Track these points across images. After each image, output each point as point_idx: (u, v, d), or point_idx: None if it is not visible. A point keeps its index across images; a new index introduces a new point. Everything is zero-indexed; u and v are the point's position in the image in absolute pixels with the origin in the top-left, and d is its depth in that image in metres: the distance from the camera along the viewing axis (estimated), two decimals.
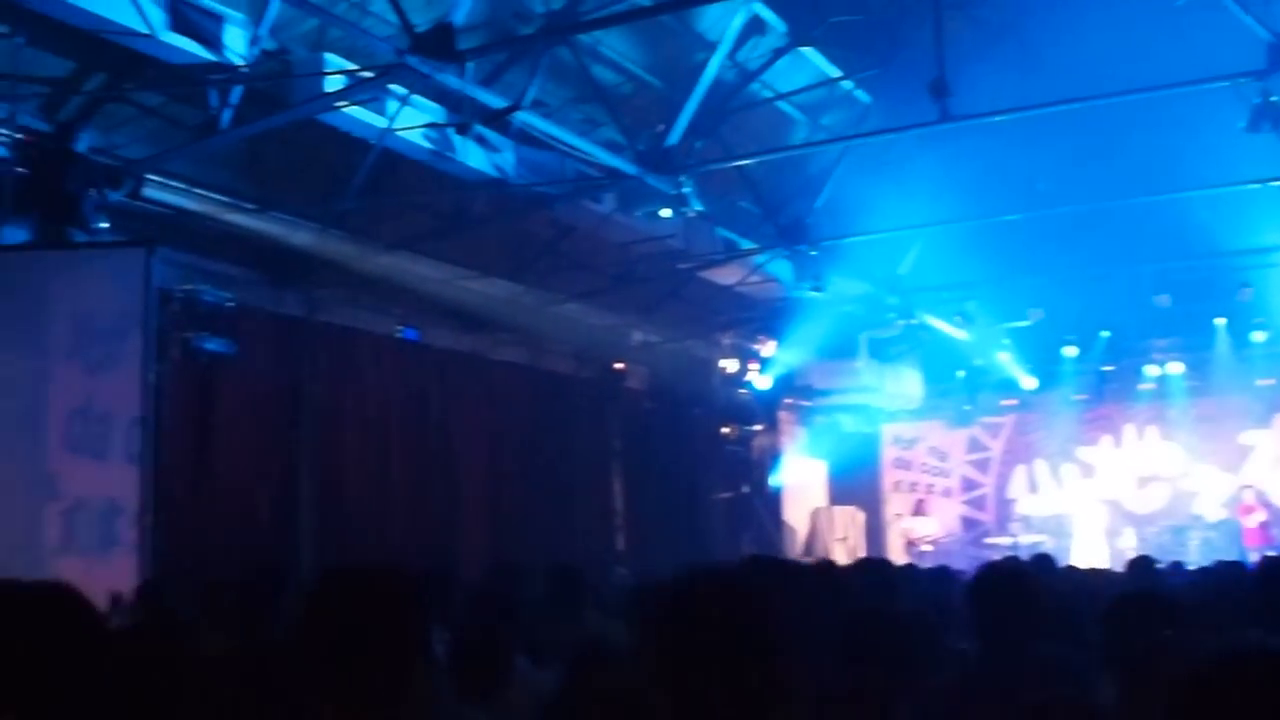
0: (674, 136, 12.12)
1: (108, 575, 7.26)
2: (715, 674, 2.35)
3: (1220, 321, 19.46)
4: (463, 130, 10.79)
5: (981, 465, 23.13)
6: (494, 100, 10.62)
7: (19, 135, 9.35)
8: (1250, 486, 19.47)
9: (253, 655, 3.45)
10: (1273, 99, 10.71)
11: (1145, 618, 4.00)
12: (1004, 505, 22.65)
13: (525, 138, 11.79)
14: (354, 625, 2.49)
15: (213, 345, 11.32)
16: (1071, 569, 11.87)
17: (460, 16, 9.50)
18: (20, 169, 9.50)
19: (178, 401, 11.17)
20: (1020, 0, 13.91)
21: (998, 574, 4.60)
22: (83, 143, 9.80)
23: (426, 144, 11.09)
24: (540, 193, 12.76)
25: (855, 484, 22.74)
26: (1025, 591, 4.31)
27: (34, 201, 9.66)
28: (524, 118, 11.06)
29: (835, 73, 14.22)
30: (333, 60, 10.09)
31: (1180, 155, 14.53)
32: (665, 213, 12.69)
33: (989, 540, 21.44)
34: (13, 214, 9.80)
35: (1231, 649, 1.99)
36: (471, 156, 11.48)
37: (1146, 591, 4.68)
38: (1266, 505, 19.15)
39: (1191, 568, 12.06)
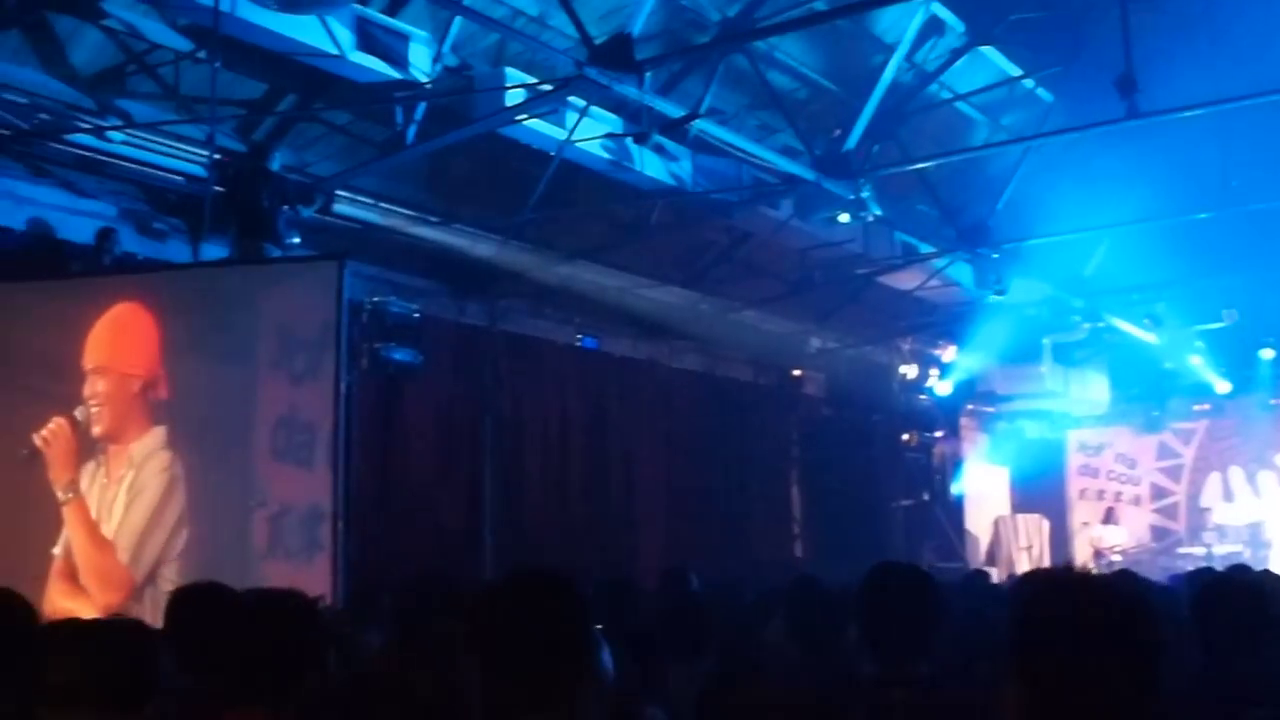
0: (851, 141, 12.01)
1: (311, 579, 7.47)
2: (1090, 680, 2.26)
3: None
4: (641, 140, 10.85)
5: (1172, 472, 22.37)
6: (671, 109, 10.66)
7: (217, 155, 9.73)
8: None
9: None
10: None
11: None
12: (1197, 514, 21.85)
13: (702, 145, 11.83)
14: (520, 629, 2.52)
15: (400, 355, 11.56)
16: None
17: (638, 27, 9.58)
18: (218, 188, 9.88)
19: (366, 410, 11.49)
20: None
21: (1227, 584, 4.44)
22: (276, 161, 10.15)
23: (604, 154, 11.21)
24: (717, 200, 12.77)
25: (1039, 491, 22.23)
26: (1256, 603, 4.16)
27: (231, 218, 10.05)
28: (701, 125, 11.11)
29: (1016, 71, 13.92)
30: (513, 74, 10.25)
31: None
32: (844, 218, 12.57)
33: (1182, 550, 20.72)
34: (212, 231, 10.24)
35: None
36: (649, 165, 11.58)
37: None
38: None
39: None
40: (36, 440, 8.43)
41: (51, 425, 8.46)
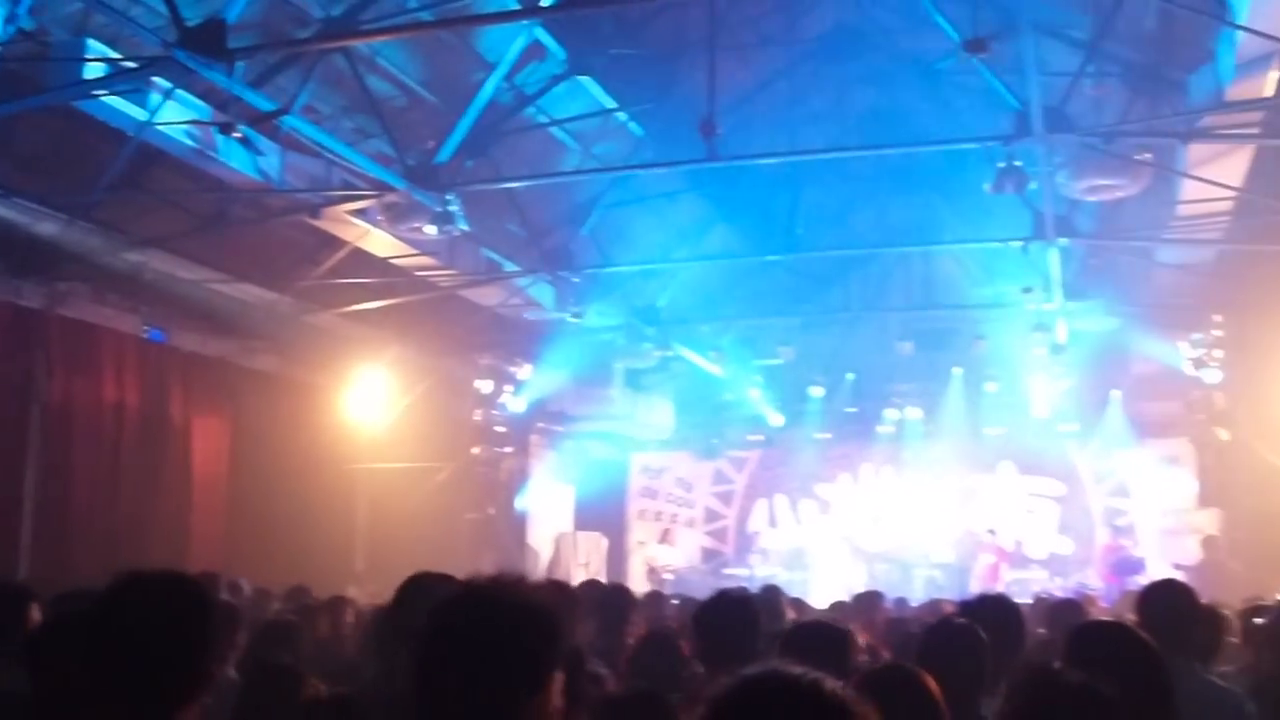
0: (445, 153, 12.02)
1: None
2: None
3: (957, 371, 20.31)
4: (226, 130, 10.43)
5: (725, 498, 23.61)
6: (263, 102, 10.32)
7: None
8: (993, 531, 20.27)
9: None
10: (1016, 163, 11.30)
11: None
12: (745, 538, 23.17)
13: (293, 143, 11.51)
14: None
15: None
16: (798, 601, 11.94)
17: (234, 14, 9.21)
18: None
19: None
20: (784, 49, 14.31)
21: (721, 600, 4.82)
22: None
23: (189, 141, 10.70)
24: (304, 200, 12.46)
25: (601, 511, 22.86)
26: (746, 617, 4.59)
27: None
28: (292, 122, 10.79)
29: (610, 104, 14.31)
30: (95, 46, 9.64)
31: (934, 211, 15.21)
32: (429, 229, 12.52)
33: (727, 571, 21.79)
34: None
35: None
36: (235, 158, 11.11)
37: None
38: (999, 548, 20.01)
39: (915, 604, 12.53)
40: None
41: None
